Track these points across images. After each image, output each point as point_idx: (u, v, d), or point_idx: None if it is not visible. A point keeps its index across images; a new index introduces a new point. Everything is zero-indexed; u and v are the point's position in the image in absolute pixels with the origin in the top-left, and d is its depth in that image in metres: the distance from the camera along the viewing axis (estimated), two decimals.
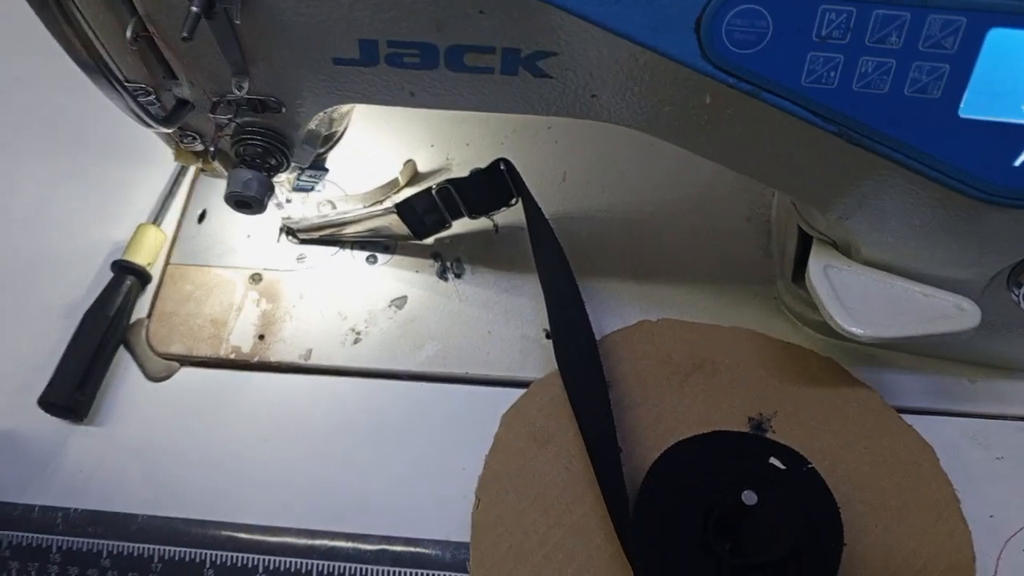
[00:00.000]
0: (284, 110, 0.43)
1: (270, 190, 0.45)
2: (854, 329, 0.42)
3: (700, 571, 0.42)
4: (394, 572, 0.46)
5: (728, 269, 0.55)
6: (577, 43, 0.38)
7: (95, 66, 0.38)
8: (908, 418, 0.49)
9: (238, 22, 0.37)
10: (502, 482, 0.47)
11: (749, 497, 0.40)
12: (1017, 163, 0.36)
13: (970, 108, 0.35)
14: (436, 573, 0.46)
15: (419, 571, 0.46)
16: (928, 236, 0.41)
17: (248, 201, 0.44)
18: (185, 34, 0.35)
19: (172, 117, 0.43)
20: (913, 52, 0.34)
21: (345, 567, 0.46)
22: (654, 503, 0.44)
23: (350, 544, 0.47)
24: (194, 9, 0.35)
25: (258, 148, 0.44)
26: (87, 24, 0.38)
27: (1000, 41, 0.34)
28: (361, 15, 0.37)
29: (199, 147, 0.47)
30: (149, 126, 0.43)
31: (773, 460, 0.44)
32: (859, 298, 0.43)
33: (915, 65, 0.35)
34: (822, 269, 0.44)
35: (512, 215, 0.53)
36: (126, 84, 0.41)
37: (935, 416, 0.49)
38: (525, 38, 0.38)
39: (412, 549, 0.46)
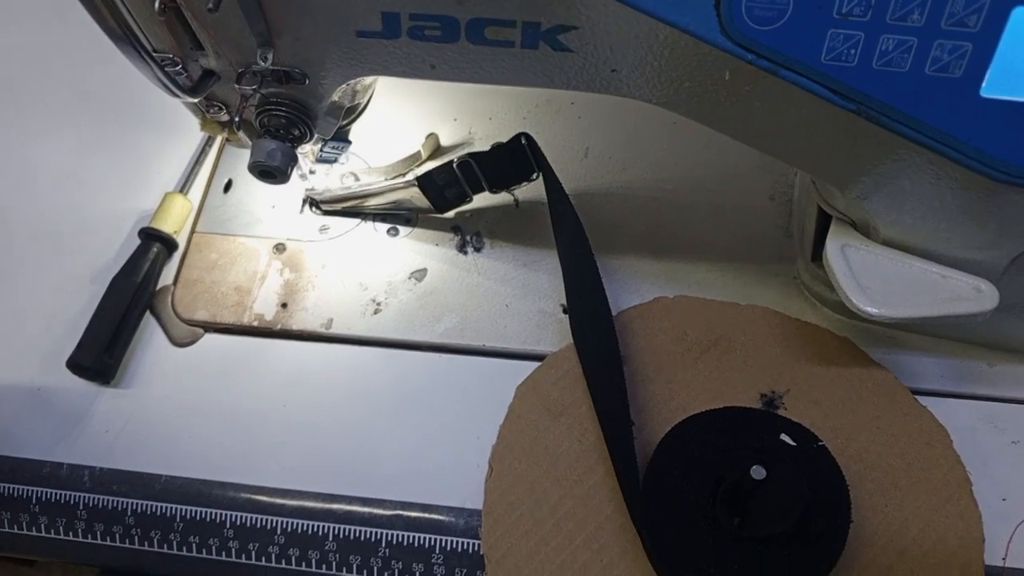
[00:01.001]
0: (308, 81, 0.44)
1: (293, 160, 0.46)
2: (869, 308, 0.42)
3: (707, 543, 0.42)
4: (408, 536, 0.47)
5: (748, 248, 0.55)
6: (597, 17, 0.38)
7: (124, 36, 0.39)
8: (924, 400, 0.49)
9: None
10: (515, 452, 0.48)
11: (758, 472, 0.40)
12: None
13: (992, 88, 0.35)
14: (449, 538, 0.46)
15: (433, 536, 0.47)
16: (947, 217, 0.41)
17: (271, 171, 0.45)
18: (211, 6, 0.36)
19: (198, 87, 0.44)
20: (935, 30, 0.34)
21: (361, 531, 0.47)
22: (664, 476, 0.44)
23: (366, 509, 0.48)
24: None
25: (282, 119, 0.45)
26: None
27: None
28: None
29: (224, 117, 0.48)
30: (176, 96, 0.43)
31: (784, 436, 0.44)
32: (876, 278, 0.43)
33: (937, 43, 0.34)
34: (840, 248, 0.44)
35: (533, 190, 0.54)
36: (154, 54, 0.42)
37: (952, 399, 0.49)
38: (546, 12, 0.38)
39: (426, 515, 0.47)
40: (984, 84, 0.35)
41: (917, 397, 0.49)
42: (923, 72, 0.35)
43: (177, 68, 0.43)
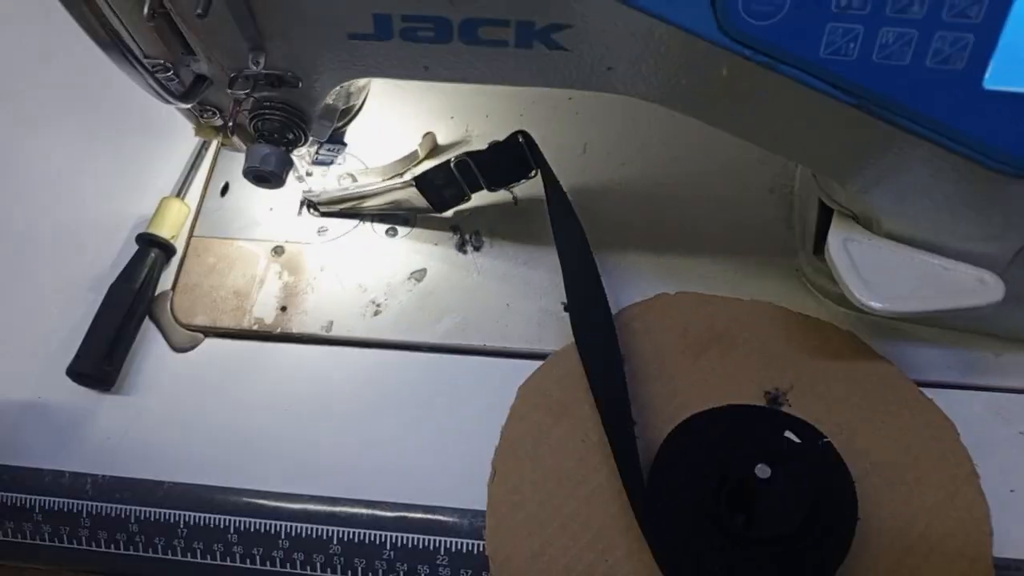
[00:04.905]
0: (301, 85, 0.43)
1: (288, 164, 0.46)
2: (873, 303, 0.42)
3: (712, 543, 0.42)
4: (413, 539, 0.46)
5: (749, 241, 0.54)
6: (592, 15, 0.37)
7: (113, 43, 0.39)
8: (930, 392, 0.48)
9: None
10: (518, 453, 0.47)
11: (763, 471, 0.40)
12: None
13: (995, 79, 0.34)
14: (454, 540, 0.46)
15: (437, 538, 0.46)
16: (950, 210, 0.40)
17: (266, 176, 0.45)
18: (199, 11, 0.35)
19: (190, 93, 0.43)
20: (936, 21, 0.33)
21: (364, 533, 0.47)
22: (668, 476, 0.44)
23: (369, 511, 0.47)
24: None
25: (276, 123, 0.45)
26: (105, 1, 0.38)
27: None
28: None
29: (219, 122, 0.47)
30: (168, 102, 0.43)
31: (788, 434, 0.43)
32: (879, 272, 0.43)
33: (938, 35, 0.34)
34: (842, 242, 0.44)
35: (531, 187, 0.53)
36: (144, 61, 0.41)
37: (958, 390, 0.49)
38: (539, 10, 0.37)
39: (430, 516, 0.47)
40: (987, 76, 0.34)
41: (922, 389, 0.48)
42: (924, 65, 0.34)
43: (168, 74, 0.43)
